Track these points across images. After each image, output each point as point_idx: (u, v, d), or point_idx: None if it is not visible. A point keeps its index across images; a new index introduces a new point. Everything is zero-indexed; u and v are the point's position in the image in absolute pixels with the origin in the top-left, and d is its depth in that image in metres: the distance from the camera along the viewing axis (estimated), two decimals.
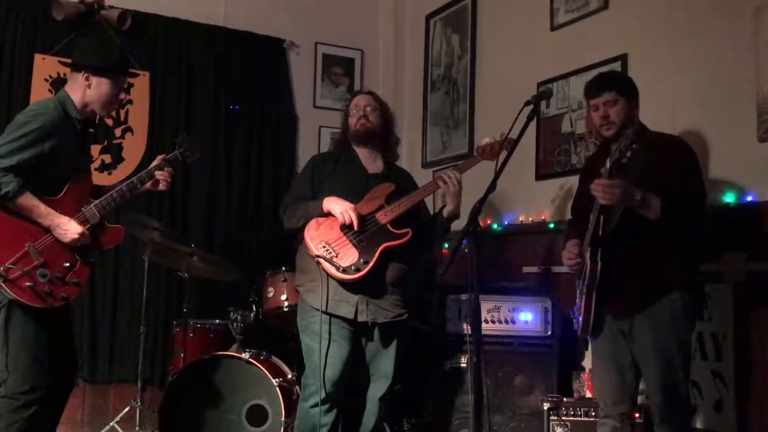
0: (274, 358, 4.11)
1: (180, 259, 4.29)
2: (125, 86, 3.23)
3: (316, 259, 3.28)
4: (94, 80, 3.05)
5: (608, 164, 2.78)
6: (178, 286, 4.82)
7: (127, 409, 4.36)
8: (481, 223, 4.14)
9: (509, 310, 3.79)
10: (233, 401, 3.91)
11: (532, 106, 2.89)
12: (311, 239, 3.31)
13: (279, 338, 4.42)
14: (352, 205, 3.32)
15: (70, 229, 2.93)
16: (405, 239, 3.34)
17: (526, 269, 4.34)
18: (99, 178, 4.56)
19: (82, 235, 2.95)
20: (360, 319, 3.32)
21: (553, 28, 4.36)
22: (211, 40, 5.19)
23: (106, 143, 4.88)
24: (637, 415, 3.12)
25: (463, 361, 3.75)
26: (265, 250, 5.13)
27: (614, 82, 3.04)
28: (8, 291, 2.82)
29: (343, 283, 3.29)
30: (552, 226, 4.17)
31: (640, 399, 3.11)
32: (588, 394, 3.57)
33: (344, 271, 3.24)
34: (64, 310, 3.03)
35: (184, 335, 4.23)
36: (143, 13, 4.95)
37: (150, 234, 4.16)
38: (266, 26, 5.36)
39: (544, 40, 4.42)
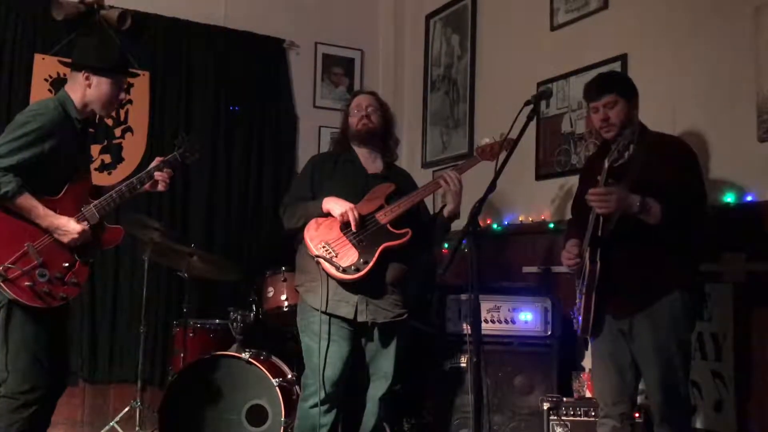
0: (274, 358, 4.11)
1: (180, 259, 4.29)
2: (125, 86, 3.23)
3: (315, 259, 3.28)
4: (94, 80, 3.05)
5: (606, 165, 2.77)
6: (178, 286, 4.83)
7: (127, 409, 4.36)
8: (481, 223, 4.14)
9: (509, 310, 3.79)
10: (233, 401, 3.91)
11: (531, 106, 2.89)
12: (311, 239, 3.31)
13: (279, 338, 4.42)
14: (351, 205, 3.32)
15: (69, 229, 2.93)
16: (405, 239, 3.34)
17: (526, 269, 4.34)
18: (99, 178, 4.56)
19: (82, 233, 2.94)
20: (360, 319, 3.32)
21: (553, 28, 4.36)
22: (211, 40, 5.19)
23: (105, 143, 4.88)
24: (636, 415, 3.12)
25: (463, 361, 3.75)
26: (265, 250, 5.13)
27: (614, 84, 3.04)
28: (7, 291, 2.82)
29: (342, 283, 3.29)
30: (552, 226, 4.17)
31: (639, 399, 3.11)
32: (588, 394, 3.57)
33: (344, 271, 3.24)
34: (62, 310, 3.02)
35: (184, 335, 4.23)
36: (143, 13, 4.96)
37: (150, 234, 4.16)
38: (266, 26, 5.37)
39: (544, 40, 4.42)
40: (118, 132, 4.92)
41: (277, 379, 3.86)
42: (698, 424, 3.31)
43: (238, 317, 4.10)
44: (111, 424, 4.33)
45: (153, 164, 3.24)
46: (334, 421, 3.37)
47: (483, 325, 3.60)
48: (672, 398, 2.82)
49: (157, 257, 4.33)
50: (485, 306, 3.73)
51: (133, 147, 4.93)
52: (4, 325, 2.87)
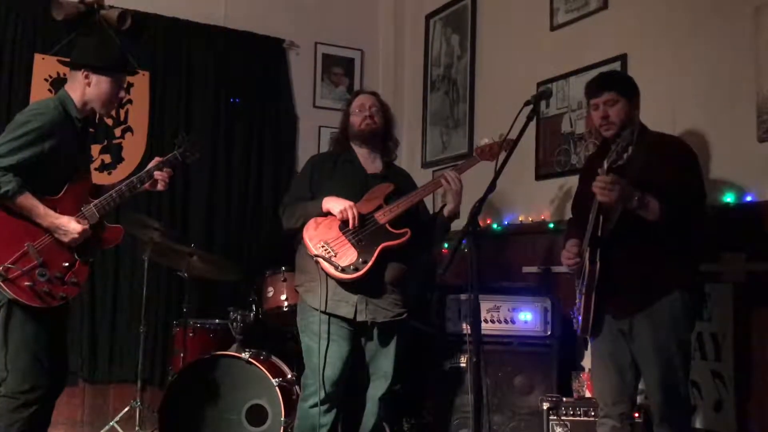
0: (274, 358, 4.11)
1: (180, 258, 4.29)
2: (125, 85, 3.23)
3: (315, 258, 3.28)
4: (94, 78, 3.05)
5: (606, 165, 2.77)
6: (178, 285, 4.83)
7: (126, 409, 4.36)
8: (481, 223, 4.13)
9: (509, 310, 3.79)
10: (233, 401, 3.91)
11: (531, 106, 2.89)
12: (310, 239, 3.31)
13: (279, 338, 4.42)
14: (351, 203, 3.32)
15: (70, 229, 2.92)
16: (404, 239, 3.34)
17: (526, 269, 4.34)
18: (99, 178, 4.56)
19: (82, 233, 2.94)
20: (359, 318, 3.32)
21: (552, 28, 4.36)
22: (211, 40, 5.19)
23: (105, 143, 4.88)
24: (636, 415, 3.12)
25: (463, 361, 3.75)
26: (265, 250, 5.13)
27: (615, 82, 3.04)
28: (7, 290, 2.82)
29: (342, 283, 3.29)
30: (552, 226, 4.18)
31: (639, 399, 3.12)
32: (587, 394, 3.57)
33: (343, 270, 3.25)
34: (62, 310, 3.02)
35: (184, 335, 4.23)
36: (143, 13, 4.96)
37: (150, 234, 4.16)
38: (266, 26, 5.37)
39: (543, 40, 4.42)
40: (118, 132, 4.92)
41: (277, 379, 3.86)
42: (698, 424, 3.31)
43: (238, 317, 4.10)
44: (111, 423, 4.33)
45: (152, 164, 3.24)
46: (334, 420, 3.37)
47: (483, 325, 3.59)
48: (672, 398, 2.82)
49: (157, 257, 4.33)
50: (485, 306, 3.73)
51: (133, 147, 4.93)
52: (3, 325, 2.87)
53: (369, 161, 3.57)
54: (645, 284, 2.85)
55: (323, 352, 3.28)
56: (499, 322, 3.78)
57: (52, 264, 2.91)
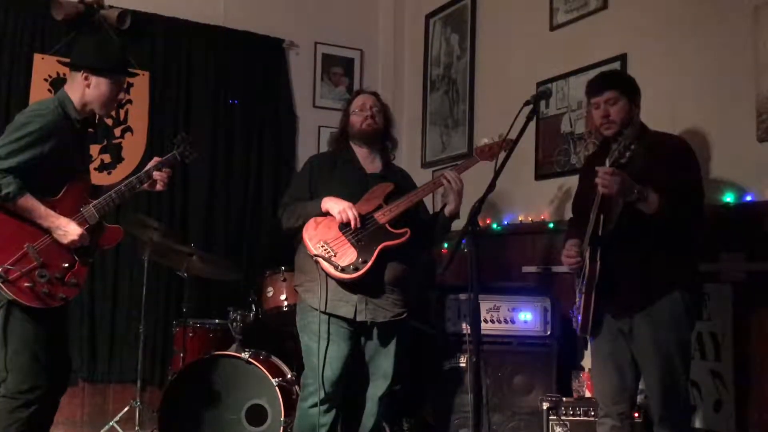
0: (274, 358, 4.11)
1: (179, 258, 4.29)
2: (125, 86, 3.22)
3: (314, 258, 3.28)
4: (93, 80, 3.04)
5: (607, 164, 2.77)
6: (177, 285, 4.83)
7: (126, 409, 4.36)
8: (481, 223, 4.13)
9: (508, 310, 3.79)
10: (233, 401, 3.91)
11: (531, 106, 2.89)
12: (310, 239, 3.31)
13: (278, 338, 4.42)
14: (350, 204, 3.32)
15: (69, 230, 2.92)
16: (403, 239, 3.34)
17: (526, 269, 4.34)
18: (98, 178, 4.57)
19: (81, 236, 2.94)
20: (359, 318, 3.32)
21: (552, 28, 4.37)
22: (211, 40, 5.19)
23: (105, 143, 4.88)
24: (636, 414, 3.12)
25: (463, 361, 3.75)
26: (265, 249, 5.14)
27: (616, 81, 3.04)
28: (7, 291, 2.81)
29: (342, 283, 3.29)
30: (551, 225, 4.18)
31: (639, 398, 3.12)
32: (587, 394, 3.58)
33: (343, 270, 3.25)
34: (62, 310, 3.02)
35: (184, 335, 4.23)
36: (143, 13, 4.96)
37: (149, 234, 4.16)
38: (266, 26, 5.37)
39: (543, 39, 4.42)
40: (117, 132, 4.92)
41: (276, 379, 3.86)
42: (697, 424, 3.31)
43: (238, 317, 4.10)
44: (110, 423, 4.33)
45: (151, 164, 3.23)
46: (334, 420, 3.37)
47: (482, 324, 3.60)
48: (671, 398, 2.82)
49: (156, 257, 4.33)
50: (485, 306, 3.73)
51: (133, 147, 4.93)
52: (3, 326, 2.86)
53: (368, 161, 3.57)
54: (645, 284, 2.85)
55: (323, 352, 3.28)
56: (499, 321, 3.78)
57: (51, 265, 2.91)
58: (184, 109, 5.10)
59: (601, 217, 2.85)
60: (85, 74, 3.04)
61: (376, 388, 3.45)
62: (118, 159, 4.91)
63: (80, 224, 2.96)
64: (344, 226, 3.31)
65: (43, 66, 4.69)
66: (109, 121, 4.84)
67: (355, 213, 3.29)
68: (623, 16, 3.91)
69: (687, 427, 2.98)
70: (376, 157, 3.60)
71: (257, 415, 3.89)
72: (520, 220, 4.48)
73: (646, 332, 2.84)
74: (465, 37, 5.17)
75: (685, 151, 2.95)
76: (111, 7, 4.83)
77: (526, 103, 2.89)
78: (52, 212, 2.91)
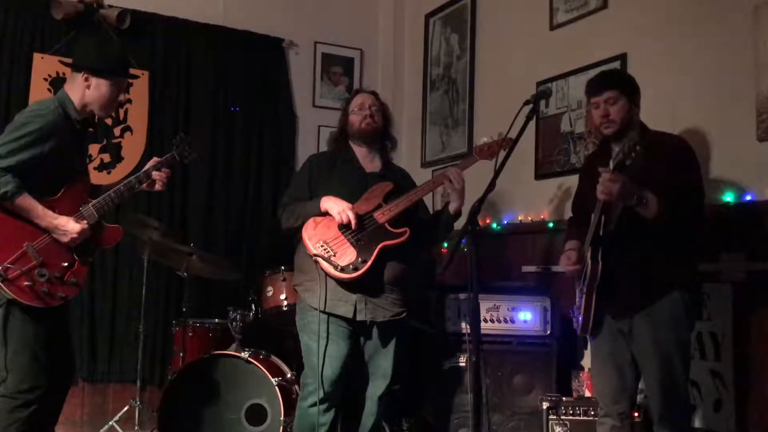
0: (274, 358, 4.11)
1: (179, 258, 4.29)
2: (125, 88, 3.22)
3: (314, 258, 3.28)
4: (94, 81, 3.04)
5: (611, 166, 2.76)
6: (177, 285, 4.83)
7: (126, 409, 4.36)
8: (481, 223, 4.13)
9: (508, 310, 3.79)
10: (232, 400, 3.91)
11: (531, 106, 2.89)
12: (309, 238, 3.31)
13: (278, 337, 4.42)
14: (349, 205, 3.32)
15: (69, 229, 2.92)
16: (403, 238, 3.34)
17: (525, 268, 4.34)
18: (98, 177, 4.57)
19: (81, 233, 2.94)
20: (359, 318, 3.32)
21: (552, 28, 4.36)
22: (211, 40, 5.19)
23: (105, 142, 4.87)
24: (636, 414, 3.12)
25: (462, 361, 3.75)
26: (265, 249, 5.14)
27: (616, 81, 3.04)
28: (7, 291, 2.81)
29: (341, 283, 3.29)
30: (551, 225, 4.18)
31: (639, 398, 3.11)
32: (587, 394, 3.57)
33: (342, 270, 3.24)
34: (62, 310, 3.02)
35: (184, 334, 4.23)
36: (142, 12, 4.96)
37: (149, 233, 4.15)
38: (265, 25, 5.36)
39: (543, 39, 4.42)
40: (117, 131, 4.92)
41: (276, 379, 3.86)
42: (697, 424, 3.31)
43: (238, 316, 4.10)
44: (110, 423, 4.33)
45: (150, 164, 3.23)
46: (333, 420, 3.37)
47: (482, 324, 3.60)
48: (671, 398, 2.82)
49: (156, 256, 4.32)
50: (484, 305, 3.73)
51: (133, 146, 4.93)
52: (3, 325, 2.86)
53: (368, 160, 3.57)
54: (645, 284, 2.85)
55: (322, 352, 3.28)
56: (499, 321, 3.78)
57: (51, 264, 2.91)
58: (184, 109, 5.10)
59: (602, 218, 2.84)
60: (85, 75, 3.04)
61: (376, 387, 3.46)
62: (117, 158, 4.90)
63: (79, 222, 2.96)
64: (343, 226, 3.31)
65: (43, 65, 4.69)
66: (109, 121, 4.83)
67: (354, 215, 3.29)
68: (623, 15, 3.91)
69: (687, 426, 2.98)
70: (375, 156, 3.60)
71: (257, 414, 3.88)
72: (520, 220, 4.47)
73: (645, 332, 2.84)
74: (465, 37, 5.17)
75: (685, 150, 2.95)
76: (111, 6, 4.83)
77: (526, 103, 2.89)
78: (50, 212, 2.91)
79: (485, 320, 3.74)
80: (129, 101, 4.89)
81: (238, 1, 5.32)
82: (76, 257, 2.98)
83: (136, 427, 4.27)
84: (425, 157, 5.51)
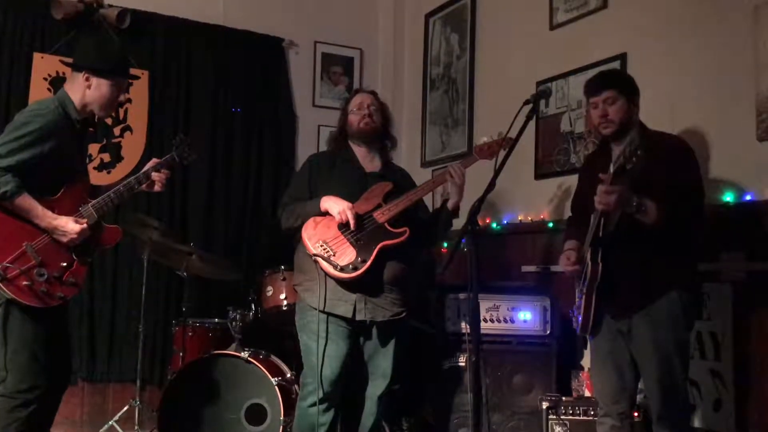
0: (273, 357, 4.11)
1: (179, 258, 4.28)
2: (125, 88, 3.22)
3: (313, 258, 3.27)
4: (94, 81, 3.04)
5: (612, 169, 2.76)
6: (177, 285, 4.83)
7: (126, 409, 4.36)
8: (480, 222, 4.13)
9: (508, 309, 3.79)
10: (232, 400, 3.91)
11: (531, 105, 2.89)
12: (309, 238, 3.31)
13: (278, 337, 4.42)
14: (349, 204, 3.32)
15: (68, 229, 2.92)
16: (403, 238, 3.34)
17: (525, 268, 4.34)
18: (98, 177, 4.57)
19: (80, 233, 2.94)
20: (358, 317, 3.32)
21: (552, 28, 4.36)
22: (211, 39, 5.18)
23: (105, 142, 4.87)
24: (636, 414, 3.12)
25: (462, 361, 3.75)
26: (265, 248, 5.14)
27: (615, 81, 3.04)
28: (6, 290, 2.81)
29: (341, 282, 3.29)
30: (551, 225, 4.17)
31: (638, 398, 3.11)
32: (587, 393, 3.57)
33: (342, 269, 3.24)
34: (61, 309, 3.02)
35: (183, 334, 4.23)
36: (142, 12, 4.95)
37: (149, 233, 4.15)
38: (265, 25, 5.36)
39: (543, 39, 4.42)
40: (117, 131, 4.92)
41: (276, 378, 3.86)
42: (697, 424, 3.31)
43: (237, 316, 4.10)
44: (110, 423, 4.33)
45: (149, 165, 3.23)
46: (333, 420, 3.37)
47: (482, 324, 3.60)
48: (670, 397, 2.82)
49: (156, 256, 4.32)
50: (484, 305, 3.73)
51: (133, 146, 4.93)
52: (2, 325, 2.86)
53: (367, 160, 3.57)
54: (644, 284, 2.85)
55: (322, 351, 3.28)
56: (499, 321, 3.78)
57: (50, 264, 2.91)
58: (184, 109, 5.10)
59: (602, 218, 2.84)
60: (86, 75, 3.04)
61: (376, 387, 3.46)
62: (117, 158, 4.90)
63: (79, 222, 2.96)
64: (343, 226, 3.31)
65: (43, 65, 4.69)
66: (109, 120, 4.83)
67: (353, 215, 3.29)
68: (623, 15, 3.91)
69: (686, 426, 2.98)
70: (375, 156, 3.60)
71: (257, 414, 3.89)
72: (520, 220, 4.47)
73: (644, 332, 2.84)
74: (465, 37, 5.17)
75: (685, 150, 2.95)
76: (110, 6, 4.83)
77: (526, 103, 2.89)
78: (49, 212, 2.90)
79: (485, 320, 3.74)
80: (129, 101, 4.89)
81: (238, 1, 5.32)
82: (75, 257, 2.98)
83: (135, 427, 4.27)
84: (425, 157, 5.51)
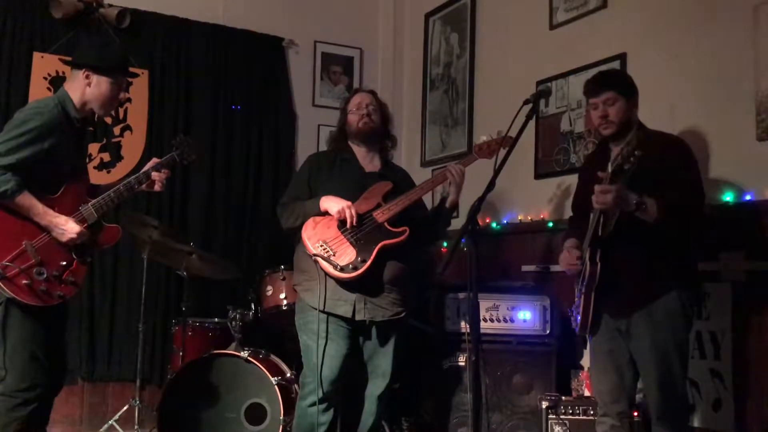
0: (273, 357, 4.11)
1: (179, 257, 4.28)
2: (125, 87, 3.22)
3: (313, 257, 3.27)
4: (94, 79, 3.04)
5: (610, 169, 2.76)
6: (176, 284, 4.83)
7: (125, 408, 4.36)
8: (480, 222, 4.14)
9: (508, 309, 3.79)
10: (232, 400, 3.91)
11: (530, 105, 2.89)
12: (308, 238, 3.31)
13: (278, 337, 4.42)
14: (348, 203, 3.32)
15: (68, 228, 2.92)
16: (402, 238, 3.34)
17: (525, 268, 4.34)
18: (98, 177, 4.57)
19: (80, 234, 2.94)
20: (358, 317, 3.32)
21: (552, 27, 4.36)
22: (210, 39, 5.18)
23: (105, 141, 4.87)
24: (635, 413, 3.12)
25: (462, 360, 3.76)
26: (265, 248, 5.14)
27: (614, 81, 3.04)
28: (5, 289, 2.81)
29: (341, 282, 3.29)
30: (551, 224, 4.18)
31: (638, 397, 3.11)
32: (586, 393, 3.58)
33: (342, 269, 3.24)
34: (60, 309, 3.02)
35: (183, 334, 4.22)
36: (142, 11, 4.95)
37: (149, 232, 4.15)
38: (265, 24, 5.36)
39: (543, 38, 4.42)
40: (117, 130, 4.91)
41: (275, 378, 3.86)
42: (697, 423, 3.31)
43: (237, 316, 4.10)
44: (110, 422, 4.33)
45: (149, 165, 3.23)
46: (333, 419, 3.37)
47: (482, 323, 3.61)
48: (670, 397, 2.82)
49: (156, 256, 4.32)
50: (484, 305, 3.73)
51: (133, 145, 4.93)
52: (1, 323, 2.86)
53: (367, 160, 3.57)
54: (643, 284, 2.85)
55: (321, 351, 3.28)
56: (498, 321, 3.78)
57: (50, 263, 2.90)
58: (184, 108, 5.09)
59: (601, 218, 2.84)
60: (86, 73, 3.04)
61: (375, 387, 3.46)
62: (117, 157, 4.90)
63: (79, 223, 2.96)
64: (343, 225, 3.31)
65: (43, 64, 4.69)
66: (109, 120, 4.83)
67: (353, 212, 3.29)
68: (623, 15, 3.91)
69: (685, 425, 2.99)
70: (374, 155, 3.60)
71: (256, 413, 3.88)
72: (520, 219, 4.48)
73: (643, 332, 2.84)
74: (465, 36, 5.17)
75: (684, 150, 2.95)
76: (110, 5, 4.83)
77: (526, 102, 2.89)
78: (50, 211, 2.91)
79: (485, 320, 3.74)
80: (129, 100, 4.89)
81: (238, 1, 5.32)
82: (74, 256, 2.98)
83: (135, 427, 4.27)
84: (425, 157, 5.51)
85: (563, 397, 3.50)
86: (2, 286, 2.81)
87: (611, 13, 3.98)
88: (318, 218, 3.36)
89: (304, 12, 5.54)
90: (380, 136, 3.61)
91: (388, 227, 3.35)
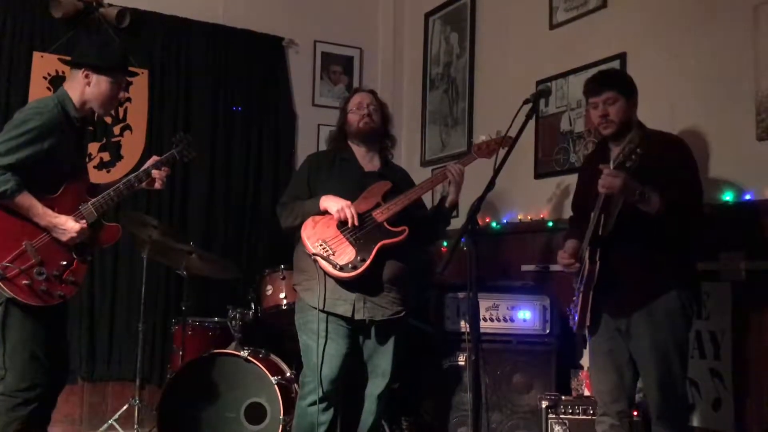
0: (273, 356, 4.11)
1: (179, 257, 4.28)
2: (125, 86, 3.22)
3: (313, 257, 3.27)
4: (94, 78, 3.04)
5: (612, 166, 2.75)
6: (176, 284, 4.83)
7: (125, 408, 4.36)
8: (480, 222, 4.14)
9: (508, 309, 3.79)
10: (232, 399, 3.91)
11: (530, 105, 2.89)
12: (308, 237, 3.31)
13: (277, 336, 4.42)
14: (348, 202, 3.32)
15: (68, 228, 2.92)
16: (402, 237, 3.34)
17: (525, 267, 4.34)
18: (98, 176, 4.57)
19: (80, 232, 2.94)
20: (357, 317, 3.32)
21: (552, 27, 4.36)
22: (210, 38, 5.18)
23: (104, 141, 4.87)
24: (635, 413, 3.12)
25: (462, 360, 3.76)
26: (265, 247, 5.14)
27: (614, 81, 3.04)
28: (5, 289, 2.81)
29: (340, 282, 3.29)
30: (551, 224, 4.18)
31: (638, 397, 3.12)
32: (586, 393, 3.58)
33: (341, 269, 3.24)
34: (60, 308, 3.02)
35: (183, 333, 4.22)
36: (142, 11, 4.95)
37: (149, 232, 4.15)
38: (265, 24, 5.36)
39: (543, 38, 4.42)
40: (117, 130, 4.91)
41: (275, 377, 3.86)
42: (696, 423, 3.32)
43: (237, 315, 4.10)
44: (109, 422, 4.33)
45: (149, 162, 3.23)
46: (332, 419, 3.37)
47: (481, 323, 3.61)
48: (669, 396, 2.82)
49: (155, 255, 4.32)
50: (484, 304, 3.73)
51: (132, 145, 4.93)
52: (1, 324, 2.86)
53: (367, 159, 3.57)
54: (643, 283, 2.85)
55: (321, 351, 3.28)
56: (498, 320, 3.78)
57: (50, 263, 2.90)
58: (184, 107, 5.09)
59: (602, 218, 2.84)
60: (85, 72, 3.04)
61: (375, 386, 3.46)
62: (117, 157, 4.90)
63: (79, 222, 2.96)
64: (342, 225, 3.31)
65: (42, 64, 4.69)
66: (109, 119, 4.83)
67: (353, 211, 3.29)
68: (623, 15, 3.91)
69: (685, 425, 2.99)
70: (374, 155, 3.60)
71: (256, 413, 3.89)
72: (520, 219, 4.48)
73: (643, 331, 2.85)
74: (464, 36, 5.17)
75: (683, 149, 2.95)
76: (110, 5, 4.83)
77: (526, 102, 2.89)
78: (50, 211, 2.90)
79: (484, 319, 3.75)
80: (128, 100, 4.89)
81: (238, 0, 5.31)
82: (75, 256, 2.98)
83: (135, 426, 4.28)
84: (425, 156, 5.51)
85: (563, 397, 3.50)
86: (2, 286, 2.81)
87: (611, 12, 3.98)
88: (317, 218, 3.36)
89: (304, 12, 5.54)
90: (380, 135, 3.61)
91: (388, 227, 3.35)
